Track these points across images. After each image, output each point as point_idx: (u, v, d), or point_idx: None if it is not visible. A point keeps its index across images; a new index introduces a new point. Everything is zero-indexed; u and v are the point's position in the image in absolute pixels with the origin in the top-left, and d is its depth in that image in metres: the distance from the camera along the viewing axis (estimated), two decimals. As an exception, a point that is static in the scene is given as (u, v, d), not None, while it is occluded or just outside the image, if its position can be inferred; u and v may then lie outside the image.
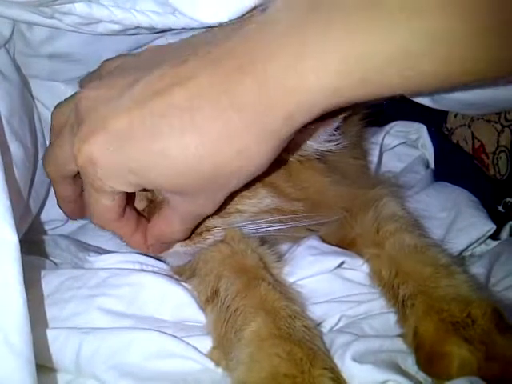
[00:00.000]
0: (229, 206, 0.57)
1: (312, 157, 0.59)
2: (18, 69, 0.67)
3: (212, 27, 0.56)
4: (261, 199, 0.58)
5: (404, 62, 0.37)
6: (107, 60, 0.59)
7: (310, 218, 0.59)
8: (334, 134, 0.56)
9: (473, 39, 0.36)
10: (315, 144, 0.56)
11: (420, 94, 0.48)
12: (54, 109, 0.59)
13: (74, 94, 0.56)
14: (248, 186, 0.52)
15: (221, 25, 0.55)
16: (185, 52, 0.45)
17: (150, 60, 0.52)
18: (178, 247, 0.58)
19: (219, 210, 0.52)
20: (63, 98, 0.68)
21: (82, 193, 0.58)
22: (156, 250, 0.57)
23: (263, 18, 0.43)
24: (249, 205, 0.58)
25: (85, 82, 0.60)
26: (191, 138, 0.42)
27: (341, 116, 0.53)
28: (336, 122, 0.54)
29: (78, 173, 0.53)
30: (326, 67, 0.38)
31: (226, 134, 0.42)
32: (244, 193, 0.57)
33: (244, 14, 0.54)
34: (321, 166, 0.60)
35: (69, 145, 0.50)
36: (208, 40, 0.50)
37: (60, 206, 0.63)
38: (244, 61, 0.41)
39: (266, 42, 0.40)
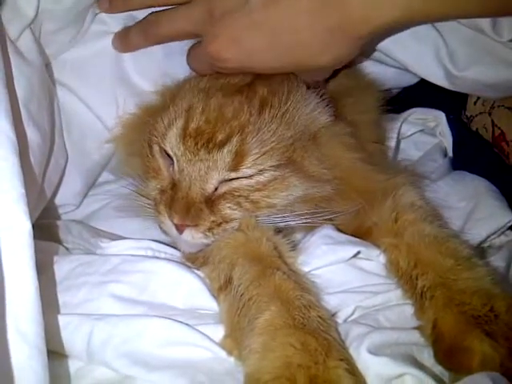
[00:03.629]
0: (261, 200, 0.57)
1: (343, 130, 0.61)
2: (41, 52, 0.65)
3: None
4: (292, 191, 0.58)
5: None
6: None
7: (330, 210, 0.59)
8: None
9: None
10: None
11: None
12: None
13: None
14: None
15: None
16: None
17: None
18: (197, 239, 0.57)
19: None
20: (89, 80, 0.70)
21: None
22: None
23: None
24: (280, 198, 0.58)
25: None
26: (304, 37, 0.56)
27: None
28: None
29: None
30: None
31: (320, 26, 0.56)
32: (277, 185, 0.57)
33: None
34: (351, 141, 0.61)
35: (193, 22, 0.63)
36: None
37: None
38: None
39: None
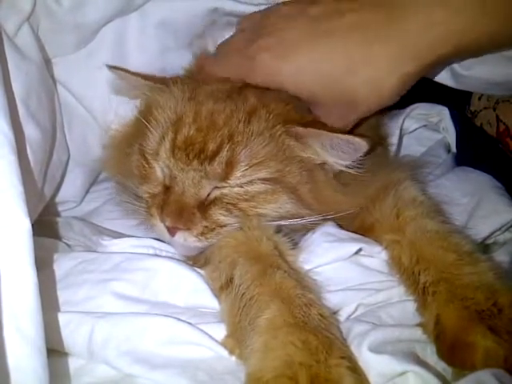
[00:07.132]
0: (249, 209, 0.57)
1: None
2: (41, 47, 0.65)
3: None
4: (282, 205, 0.58)
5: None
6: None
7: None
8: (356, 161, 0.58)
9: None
10: (338, 166, 0.59)
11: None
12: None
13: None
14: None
15: None
16: None
17: None
18: (190, 242, 0.57)
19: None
20: (90, 80, 0.69)
21: None
22: None
23: None
24: (270, 209, 0.58)
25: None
26: (341, 56, 0.54)
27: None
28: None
29: None
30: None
31: (367, 59, 0.53)
32: (267, 197, 0.57)
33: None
34: (345, 189, 0.60)
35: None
36: None
37: None
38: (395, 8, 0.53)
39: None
